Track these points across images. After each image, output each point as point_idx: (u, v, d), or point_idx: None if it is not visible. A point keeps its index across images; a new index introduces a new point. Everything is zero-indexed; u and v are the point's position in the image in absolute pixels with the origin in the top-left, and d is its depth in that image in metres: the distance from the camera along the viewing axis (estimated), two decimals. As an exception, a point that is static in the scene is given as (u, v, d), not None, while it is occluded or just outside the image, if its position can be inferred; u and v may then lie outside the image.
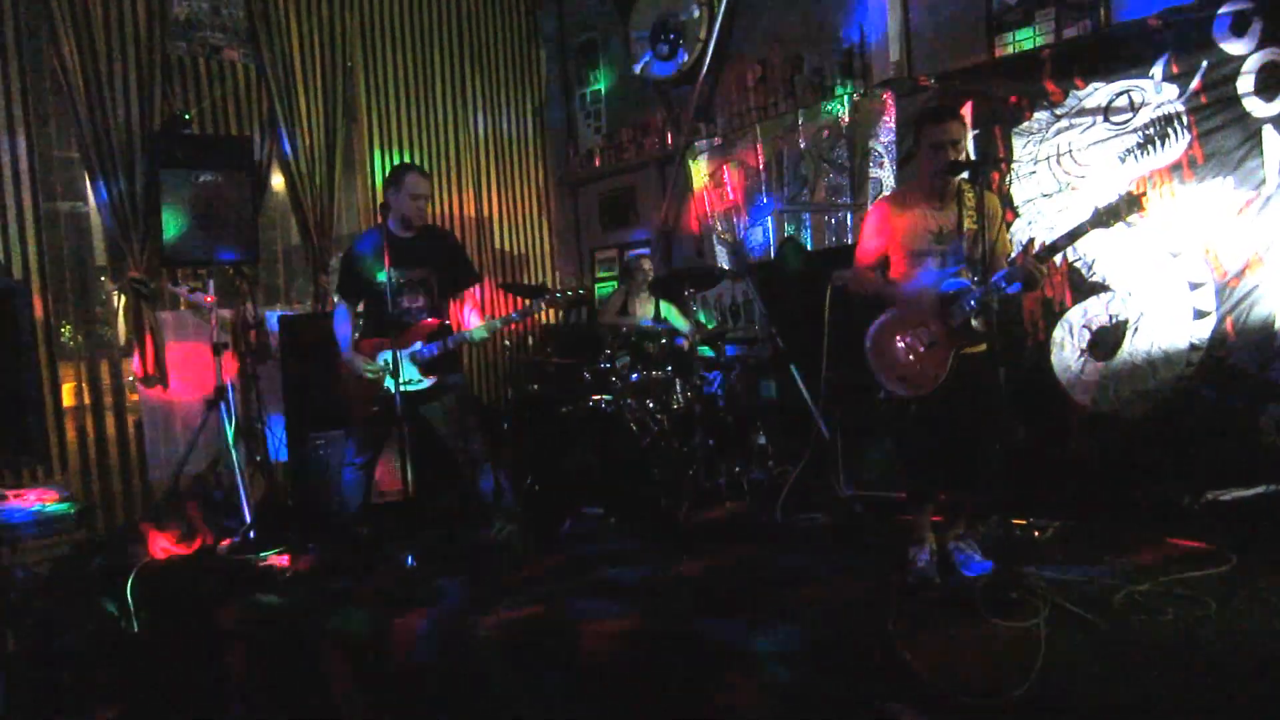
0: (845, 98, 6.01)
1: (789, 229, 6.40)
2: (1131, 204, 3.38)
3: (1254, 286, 4.22)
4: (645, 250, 7.38)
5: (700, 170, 6.98)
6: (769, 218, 6.52)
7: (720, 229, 6.89)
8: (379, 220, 4.60)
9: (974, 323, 3.57)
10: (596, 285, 7.90)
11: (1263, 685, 2.65)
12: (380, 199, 4.68)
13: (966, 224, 3.59)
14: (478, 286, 4.90)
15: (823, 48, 6.27)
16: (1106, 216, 3.37)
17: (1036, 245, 4.80)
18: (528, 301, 4.80)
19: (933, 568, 3.69)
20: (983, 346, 3.61)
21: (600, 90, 8.01)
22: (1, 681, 3.69)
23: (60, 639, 4.52)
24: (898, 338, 3.71)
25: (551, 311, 7.67)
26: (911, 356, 3.68)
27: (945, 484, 3.81)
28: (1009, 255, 3.96)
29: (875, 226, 3.86)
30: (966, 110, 5.08)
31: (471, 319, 4.80)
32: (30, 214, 5.44)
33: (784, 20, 6.56)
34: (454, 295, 4.84)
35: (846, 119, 6.00)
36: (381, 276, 4.51)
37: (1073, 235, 3.50)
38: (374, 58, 7.07)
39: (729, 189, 6.77)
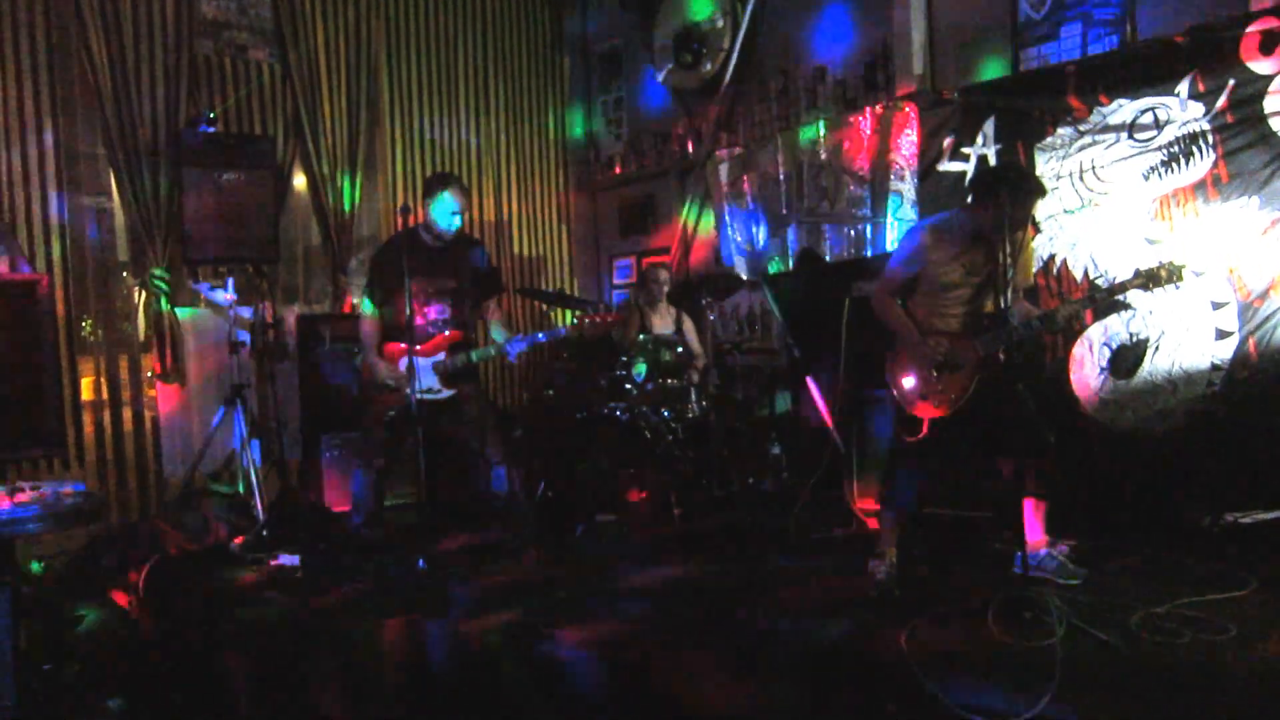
0: (867, 110, 6.00)
1: (807, 241, 6.38)
2: (1172, 274, 3.56)
3: (1278, 307, 4.17)
4: (664, 262, 7.37)
5: (720, 180, 6.96)
6: (788, 229, 6.50)
7: (739, 239, 6.87)
8: (399, 223, 4.54)
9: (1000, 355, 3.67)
10: (613, 290, 7.95)
11: (1281, 711, 2.61)
12: (401, 200, 4.67)
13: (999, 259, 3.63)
14: (502, 296, 4.87)
15: (846, 59, 6.26)
16: (1146, 280, 3.58)
17: (1056, 264, 4.79)
18: (565, 324, 4.78)
19: (893, 581, 3.73)
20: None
21: (622, 98, 8.03)
22: (12, 675, 3.70)
23: (71, 633, 4.54)
24: (921, 357, 3.75)
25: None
26: (935, 376, 3.71)
27: (1025, 492, 3.83)
28: (1029, 279, 3.98)
29: (912, 254, 3.86)
30: (989, 125, 5.07)
31: (495, 330, 4.78)
32: (55, 208, 5.51)
33: (808, 31, 6.56)
34: (479, 305, 4.83)
35: (868, 131, 5.98)
36: (407, 283, 4.41)
37: (1111, 291, 3.82)
38: (398, 61, 7.12)
39: (749, 199, 6.76)
